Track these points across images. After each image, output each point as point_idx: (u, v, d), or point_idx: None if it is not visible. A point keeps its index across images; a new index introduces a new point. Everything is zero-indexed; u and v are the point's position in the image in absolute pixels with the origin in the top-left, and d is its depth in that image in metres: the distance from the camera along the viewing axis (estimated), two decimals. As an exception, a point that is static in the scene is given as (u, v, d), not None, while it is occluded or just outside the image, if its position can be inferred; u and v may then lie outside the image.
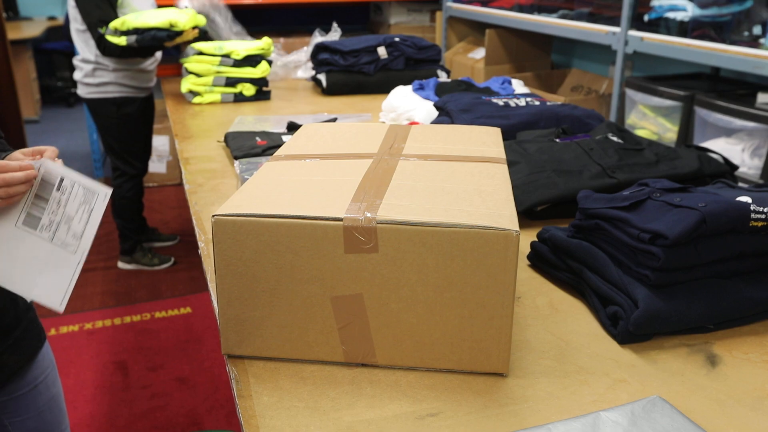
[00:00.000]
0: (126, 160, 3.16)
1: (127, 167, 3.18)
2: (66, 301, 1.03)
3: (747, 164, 2.30)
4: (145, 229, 3.54)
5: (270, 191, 0.93)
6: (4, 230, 1.01)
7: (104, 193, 1.05)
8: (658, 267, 0.96)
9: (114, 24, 2.58)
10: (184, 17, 2.54)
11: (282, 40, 3.87)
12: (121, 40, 2.60)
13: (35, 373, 1.30)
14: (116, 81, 2.95)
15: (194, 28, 2.62)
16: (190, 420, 2.34)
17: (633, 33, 2.72)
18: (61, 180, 1.03)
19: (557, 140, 1.55)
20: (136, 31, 2.56)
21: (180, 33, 2.56)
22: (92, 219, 1.04)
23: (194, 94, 2.57)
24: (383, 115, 2.18)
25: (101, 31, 2.68)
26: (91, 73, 2.92)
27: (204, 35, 2.73)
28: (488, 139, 1.20)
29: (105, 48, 2.73)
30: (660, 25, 2.65)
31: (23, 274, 1.02)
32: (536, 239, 1.21)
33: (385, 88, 2.63)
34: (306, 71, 3.07)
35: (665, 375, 0.91)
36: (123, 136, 3.10)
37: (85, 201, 1.04)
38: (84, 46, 2.88)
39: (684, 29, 2.55)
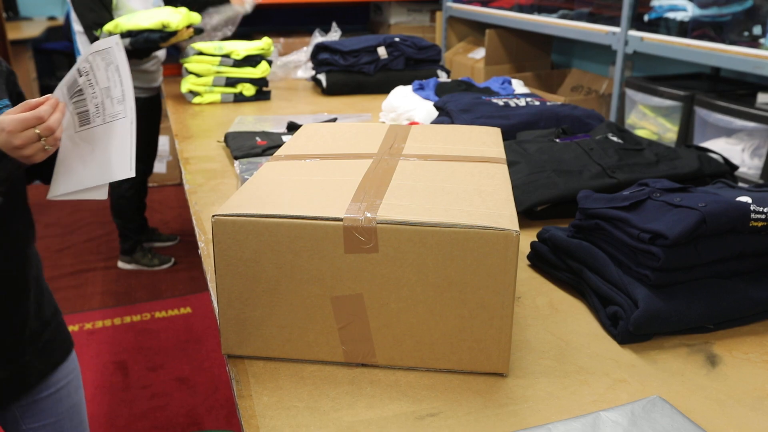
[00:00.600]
0: None
1: None
2: (133, 165, 1.05)
3: (747, 164, 2.30)
4: (145, 229, 3.54)
5: (270, 191, 0.93)
6: (70, 142, 1.02)
7: (114, 41, 1.04)
8: (658, 267, 0.96)
9: (107, 27, 2.56)
10: (176, 17, 2.52)
11: (282, 40, 3.87)
12: None
13: (58, 377, 1.27)
14: None
15: (189, 26, 2.59)
16: (190, 420, 2.34)
17: (633, 33, 2.72)
18: (77, 69, 1.03)
19: (557, 140, 1.55)
20: (129, 33, 2.53)
21: (174, 33, 2.53)
22: (123, 74, 1.04)
23: (194, 94, 2.57)
24: (383, 115, 2.18)
25: (96, 33, 2.67)
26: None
27: (200, 32, 2.70)
28: (488, 139, 1.20)
29: None
30: (660, 25, 2.65)
31: (101, 165, 1.03)
32: (536, 239, 1.21)
33: (385, 88, 2.63)
34: (306, 71, 3.07)
35: (665, 375, 0.91)
36: None
37: (106, 63, 1.03)
38: (85, 47, 2.88)
39: (684, 29, 2.55)
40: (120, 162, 1.04)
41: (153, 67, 3.05)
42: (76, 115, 1.04)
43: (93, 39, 2.69)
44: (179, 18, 2.52)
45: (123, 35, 2.55)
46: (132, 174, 1.04)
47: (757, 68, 2.20)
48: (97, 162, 1.04)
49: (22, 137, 0.95)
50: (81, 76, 1.02)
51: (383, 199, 0.89)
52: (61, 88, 1.06)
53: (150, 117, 3.25)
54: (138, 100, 3.29)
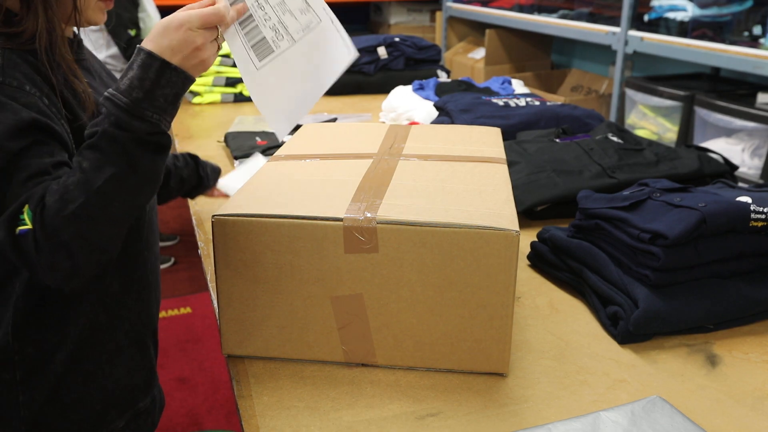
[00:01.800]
0: None
1: None
2: (350, 43, 0.87)
3: (747, 164, 2.30)
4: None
5: (270, 191, 0.93)
6: (257, 76, 0.86)
7: None
8: (658, 267, 0.96)
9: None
10: None
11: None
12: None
13: None
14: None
15: None
16: (190, 420, 2.34)
17: (633, 33, 2.72)
18: None
19: (557, 140, 1.55)
20: None
21: None
22: None
23: (194, 94, 2.57)
24: (383, 115, 2.18)
25: (131, 33, 2.76)
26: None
27: None
28: (488, 139, 1.20)
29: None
30: (660, 25, 2.65)
31: (312, 85, 0.87)
32: (536, 239, 1.21)
33: (385, 88, 2.63)
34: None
35: (665, 375, 0.91)
36: None
37: None
38: (93, 48, 2.89)
39: (684, 29, 2.55)
40: (338, 58, 0.86)
41: None
42: (250, 50, 0.85)
43: (127, 38, 2.78)
44: None
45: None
46: (355, 52, 0.86)
47: (757, 68, 2.20)
48: (308, 79, 0.86)
49: (204, 35, 0.80)
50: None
51: (383, 199, 0.89)
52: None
53: None
54: None
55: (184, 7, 0.81)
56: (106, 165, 0.76)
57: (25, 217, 0.75)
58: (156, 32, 0.79)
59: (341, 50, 0.86)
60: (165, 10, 3.19)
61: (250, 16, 0.84)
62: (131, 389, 1.03)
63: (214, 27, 0.81)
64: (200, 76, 2.54)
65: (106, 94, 0.78)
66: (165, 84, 0.78)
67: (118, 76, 0.85)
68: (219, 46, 0.83)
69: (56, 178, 0.78)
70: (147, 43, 0.79)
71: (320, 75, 0.87)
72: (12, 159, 0.77)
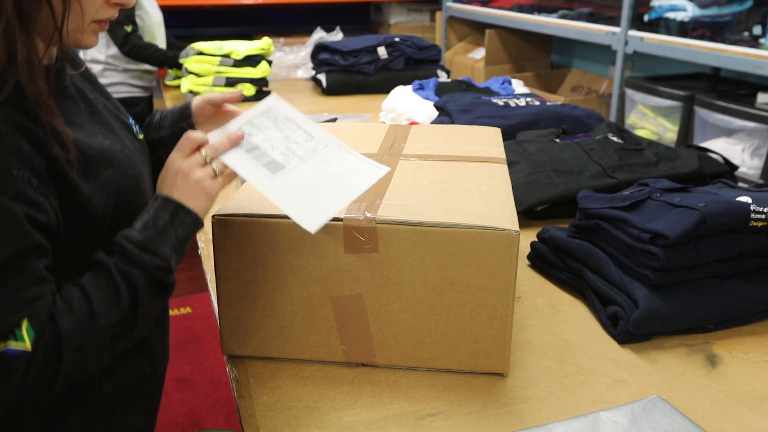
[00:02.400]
0: None
1: None
2: (374, 165, 0.88)
3: (747, 164, 2.30)
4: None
5: (270, 191, 0.93)
6: (273, 185, 0.83)
7: (273, 99, 0.89)
8: (658, 267, 0.96)
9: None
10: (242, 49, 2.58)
11: (282, 40, 3.87)
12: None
13: None
14: (125, 81, 2.97)
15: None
16: (190, 420, 2.34)
17: (633, 33, 2.72)
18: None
19: (557, 140, 1.55)
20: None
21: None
22: (297, 120, 0.88)
23: (194, 94, 2.57)
24: (383, 115, 2.18)
25: (127, 29, 2.75)
26: (100, 74, 2.93)
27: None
28: (488, 139, 1.20)
29: (132, 46, 2.78)
30: (660, 25, 2.65)
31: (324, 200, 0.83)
32: (536, 239, 1.21)
33: (385, 88, 2.62)
34: (306, 71, 3.07)
35: (665, 375, 0.91)
36: None
37: (273, 119, 0.88)
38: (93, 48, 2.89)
39: (684, 29, 2.55)
40: (357, 168, 0.86)
41: (153, 68, 3.06)
42: (261, 167, 0.83)
43: (123, 34, 2.80)
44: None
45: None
46: (386, 167, 0.87)
47: (757, 68, 2.20)
48: (332, 184, 0.85)
49: (189, 161, 0.81)
50: (249, 136, 0.86)
51: (383, 199, 0.89)
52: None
53: None
54: (142, 100, 3.30)
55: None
56: (113, 307, 0.73)
57: (24, 335, 0.67)
58: (161, 181, 0.83)
59: (362, 165, 0.86)
60: (167, 10, 3.19)
61: (258, 146, 0.85)
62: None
63: (195, 151, 0.83)
64: (199, 76, 2.54)
65: (121, 234, 0.77)
66: (178, 224, 0.79)
67: (118, 75, 0.83)
68: (214, 169, 0.83)
69: (51, 288, 0.71)
70: (160, 190, 0.82)
71: (345, 182, 0.85)
72: (5, 266, 0.67)
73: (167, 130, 1.04)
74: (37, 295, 0.69)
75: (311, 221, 0.79)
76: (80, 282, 0.74)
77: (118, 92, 2.98)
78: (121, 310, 0.74)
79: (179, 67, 2.79)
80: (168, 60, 2.84)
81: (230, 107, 1.02)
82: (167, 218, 0.78)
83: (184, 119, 1.04)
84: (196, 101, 1.03)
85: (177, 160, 0.82)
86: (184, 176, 0.81)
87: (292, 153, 0.85)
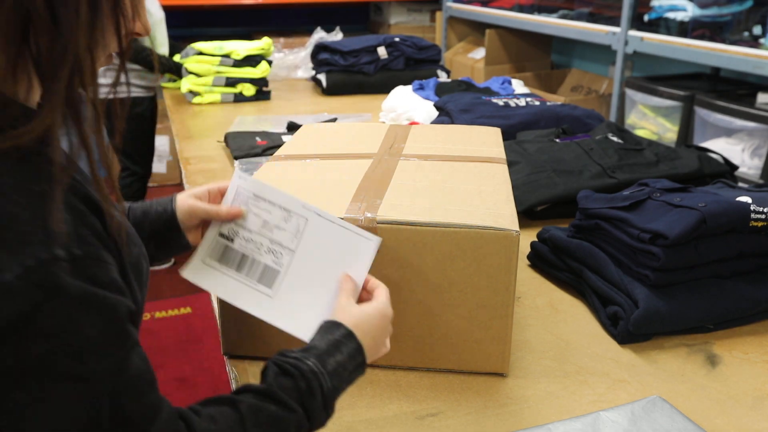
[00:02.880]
0: (135, 160, 3.19)
1: (136, 167, 3.21)
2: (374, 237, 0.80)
3: (747, 164, 2.30)
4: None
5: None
6: (274, 305, 0.79)
7: (246, 183, 0.82)
8: (658, 267, 0.96)
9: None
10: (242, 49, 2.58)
11: (282, 40, 3.87)
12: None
13: None
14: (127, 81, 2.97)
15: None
16: (190, 420, 2.33)
17: (633, 33, 2.72)
18: (220, 234, 0.82)
19: (557, 140, 1.55)
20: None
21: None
22: (273, 198, 0.81)
23: (194, 94, 2.57)
24: (383, 115, 2.18)
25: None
26: (102, 74, 2.93)
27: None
28: (488, 139, 1.20)
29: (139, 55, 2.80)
30: (660, 25, 2.65)
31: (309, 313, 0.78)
32: (536, 239, 1.21)
33: (385, 88, 2.62)
34: (306, 71, 3.07)
35: (665, 375, 0.91)
36: (133, 136, 3.12)
37: (253, 204, 0.82)
38: None
39: (684, 29, 2.55)
40: (347, 243, 0.79)
41: None
42: (257, 285, 0.79)
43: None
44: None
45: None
46: (376, 239, 0.80)
47: (757, 68, 2.20)
48: (329, 276, 0.79)
49: (390, 325, 0.74)
50: (231, 240, 0.81)
51: (383, 199, 0.89)
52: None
53: (153, 117, 3.26)
54: (145, 100, 3.31)
55: (374, 303, 0.74)
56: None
57: None
58: (365, 317, 0.71)
59: (351, 238, 0.79)
60: (170, 11, 3.19)
61: (244, 256, 0.80)
62: None
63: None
64: (199, 76, 2.54)
65: (314, 366, 0.65)
66: (353, 380, 0.70)
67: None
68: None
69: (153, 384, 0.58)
70: (357, 333, 0.70)
71: (341, 266, 0.79)
72: (119, 369, 0.54)
73: (146, 231, 0.85)
74: (159, 402, 0.57)
75: (309, 330, 0.73)
76: (242, 410, 0.61)
77: (119, 92, 2.98)
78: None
79: (173, 71, 2.80)
80: (163, 65, 2.83)
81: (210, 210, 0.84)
82: (351, 370, 0.68)
83: (172, 229, 0.85)
84: (181, 212, 0.85)
85: (389, 309, 0.73)
86: (386, 336, 0.73)
87: (279, 245, 0.79)
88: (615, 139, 1.52)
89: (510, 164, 1.41)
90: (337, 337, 0.68)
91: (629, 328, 0.96)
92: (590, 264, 1.07)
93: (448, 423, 0.81)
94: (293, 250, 0.79)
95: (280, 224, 0.79)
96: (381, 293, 0.75)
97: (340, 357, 0.67)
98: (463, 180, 0.98)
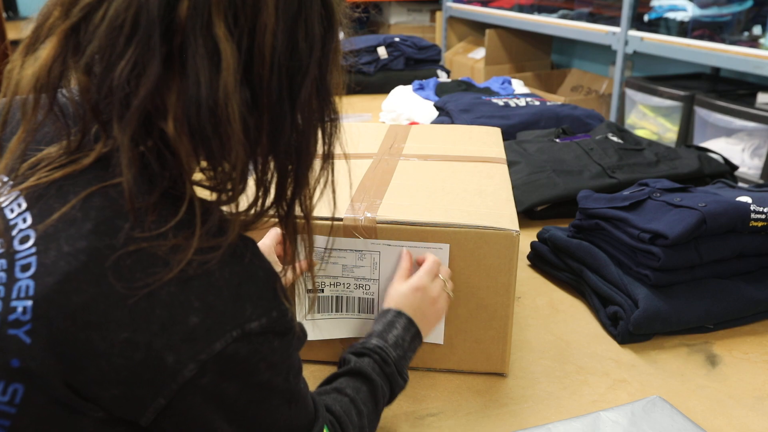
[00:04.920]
0: None
1: None
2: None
3: (747, 164, 2.30)
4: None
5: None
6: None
7: None
8: (658, 267, 0.96)
9: None
10: None
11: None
12: None
13: None
14: None
15: None
16: (190, 420, 2.33)
17: (633, 33, 2.72)
18: None
19: (557, 140, 1.55)
20: None
21: None
22: None
23: (194, 94, 2.57)
24: (383, 115, 2.18)
25: None
26: None
27: None
28: (488, 139, 1.20)
29: None
30: (660, 25, 2.65)
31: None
32: (536, 239, 1.21)
33: (385, 88, 2.62)
34: (306, 71, 3.07)
35: (665, 375, 0.91)
36: None
37: None
38: None
39: (684, 29, 2.55)
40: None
41: None
42: (361, 316, 0.89)
43: None
44: None
45: None
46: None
47: (757, 68, 2.20)
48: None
49: (436, 287, 0.82)
50: (321, 291, 0.88)
51: (383, 199, 0.89)
52: None
53: None
54: None
55: (410, 281, 0.82)
56: (372, 415, 0.73)
57: None
58: (403, 296, 0.80)
59: (424, 252, 0.86)
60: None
61: (338, 298, 0.89)
62: None
63: (437, 275, 0.83)
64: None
65: (380, 343, 0.76)
66: (414, 348, 0.80)
67: None
68: (449, 294, 0.84)
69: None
70: (404, 309, 0.80)
71: None
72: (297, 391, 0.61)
73: None
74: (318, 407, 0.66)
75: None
76: (349, 393, 0.72)
77: None
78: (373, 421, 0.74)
79: None
80: None
81: None
82: (409, 341, 0.78)
83: None
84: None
85: (425, 279, 0.81)
86: (432, 303, 0.81)
87: (363, 279, 0.88)
88: (615, 139, 1.52)
89: (510, 164, 1.41)
90: (389, 318, 0.79)
91: (629, 328, 0.96)
92: (590, 264, 1.07)
93: (448, 423, 0.81)
94: (377, 279, 0.86)
95: (357, 263, 0.86)
96: (420, 269, 0.83)
97: (396, 332, 0.77)
98: (463, 180, 0.98)
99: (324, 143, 0.66)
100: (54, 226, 0.50)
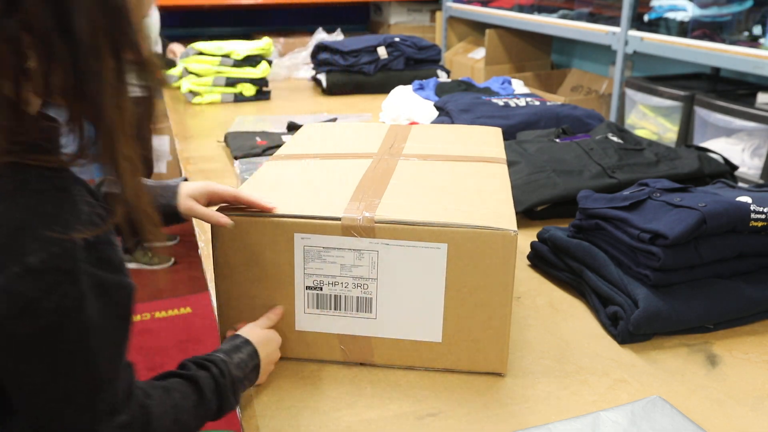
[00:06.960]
0: None
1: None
2: None
3: (747, 164, 2.30)
4: (145, 229, 3.54)
5: (270, 191, 0.93)
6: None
7: None
8: (658, 267, 0.96)
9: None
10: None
11: (282, 40, 3.87)
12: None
13: None
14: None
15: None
16: (190, 420, 2.33)
17: (633, 33, 2.72)
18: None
19: (557, 140, 1.55)
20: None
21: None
22: None
23: (194, 94, 2.57)
24: (383, 115, 2.18)
25: None
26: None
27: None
28: (488, 139, 1.20)
29: None
30: (660, 25, 2.65)
31: None
32: (536, 239, 1.21)
33: (385, 88, 2.62)
34: (307, 71, 3.07)
35: (665, 375, 0.91)
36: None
37: None
38: None
39: (684, 29, 2.55)
40: None
41: None
42: (360, 315, 0.89)
43: None
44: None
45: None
46: None
47: (757, 68, 2.20)
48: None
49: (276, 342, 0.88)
50: (320, 289, 0.89)
51: (382, 198, 0.89)
52: None
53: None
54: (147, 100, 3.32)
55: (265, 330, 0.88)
56: (196, 417, 0.75)
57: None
58: (262, 340, 0.86)
59: (422, 251, 0.86)
60: (170, 10, 3.18)
61: (336, 296, 0.89)
62: None
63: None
64: (199, 76, 2.55)
65: (224, 358, 0.80)
66: (252, 379, 0.84)
67: None
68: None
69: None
70: (252, 338, 0.85)
71: (421, 275, 0.88)
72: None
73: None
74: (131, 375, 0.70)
75: (422, 329, 0.89)
76: (170, 386, 0.74)
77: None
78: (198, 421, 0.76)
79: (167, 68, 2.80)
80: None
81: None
82: (251, 368, 0.83)
83: (172, 220, 0.93)
84: (182, 208, 0.92)
85: (267, 332, 0.88)
86: (273, 362, 0.88)
87: (361, 279, 0.88)
88: (615, 139, 1.52)
89: (510, 164, 1.41)
90: (237, 343, 0.83)
91: (629, 328, 0.96)
92: (590, 264, 1.07)
93: (448, 423, 0.81)
94: (375, 279, 0.86)
95: (355, 263, 0.86)
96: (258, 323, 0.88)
97: (241, 356, 0.82)
98: (462, 180, 0.98)
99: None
100: None
